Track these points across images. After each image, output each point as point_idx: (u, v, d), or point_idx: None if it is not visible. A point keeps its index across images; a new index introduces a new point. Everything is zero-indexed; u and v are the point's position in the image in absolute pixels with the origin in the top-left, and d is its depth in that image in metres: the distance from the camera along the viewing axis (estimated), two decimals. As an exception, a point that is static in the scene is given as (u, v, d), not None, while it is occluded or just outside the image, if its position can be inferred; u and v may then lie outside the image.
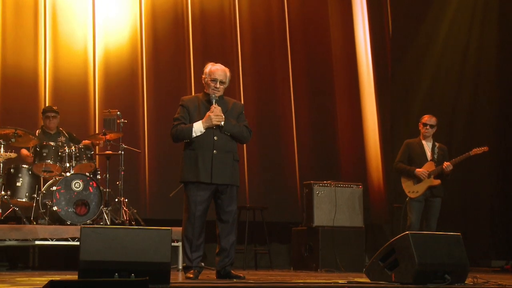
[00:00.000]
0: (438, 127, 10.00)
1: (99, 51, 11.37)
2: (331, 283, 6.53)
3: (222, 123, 6.98)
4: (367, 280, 6.72)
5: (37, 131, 10.16)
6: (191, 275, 6.90)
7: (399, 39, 13.27)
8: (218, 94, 7.11)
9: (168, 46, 11.81)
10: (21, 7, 11.12)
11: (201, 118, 7.00)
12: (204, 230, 7.07)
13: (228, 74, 7.16)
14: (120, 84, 11.45)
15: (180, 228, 7.27)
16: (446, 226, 11.94)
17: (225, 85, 7.16)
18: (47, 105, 10.82)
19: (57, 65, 11.16)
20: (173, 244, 8.96)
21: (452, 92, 12.75)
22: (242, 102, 11.76)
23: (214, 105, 7.00)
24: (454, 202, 12.35)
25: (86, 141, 10.10)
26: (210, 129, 6.98)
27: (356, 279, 7.07)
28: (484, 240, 12.24)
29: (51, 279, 4.83)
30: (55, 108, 10.27)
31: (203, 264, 9.74)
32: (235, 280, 6.86)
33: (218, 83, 7.07)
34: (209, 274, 7.40)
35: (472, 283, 6.65)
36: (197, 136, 6.98)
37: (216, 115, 6.96)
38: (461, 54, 12.74)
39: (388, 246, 6.65)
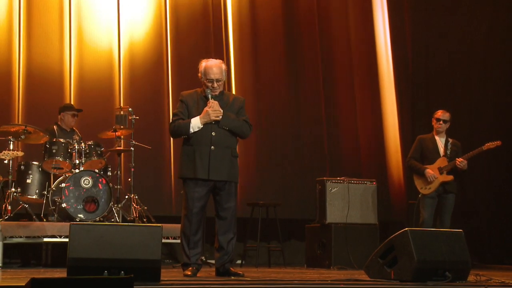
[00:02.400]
0: (458, 121, 9.79)
1: (123, 49, 11.35)
2: (327, 281, 6.42)
3: (220, 117, 6.89)
4: (367, 278, 6.62)
5: (54, 127, 10.14)
6: (189, 273, 6.82)
7: (419, 32, 13.11)
8: (217, 92, 7.02)
9: (193, 43, 11.74)
10: (46, 5, 11.13)
11: (199, 114, 6.92)
12: (201, 227, 7.00)
13: (223, 68, 7.00)
14: (145, 82, 11.43)
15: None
16: (471, 223, 11.83)
17: (223, 81, 7.03)
18: (72, 103, 10.77)
19: (82, 63, 11.16)
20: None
21: (475, 85, 12.52)
22: (257, 98, 11.73)
23: (211, 100, 6.91)
24: (479, 198, 12.16)
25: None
26: (208, 125, 6.88)
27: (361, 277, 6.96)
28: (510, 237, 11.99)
29: (33, 277, 4.79)
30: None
31: (208, 260, 9.79)
32: (232, 277, 6.79)
33: (214, 82, 6.95)
34: (210, 272, 7.31)
35: (474, 281, 6.50)
36: (195, 132, 6.89)
37: (214, 110, 6.86)
38: (483, 45, 12.52)
39: (388, 243, 6.55)
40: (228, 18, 12.07)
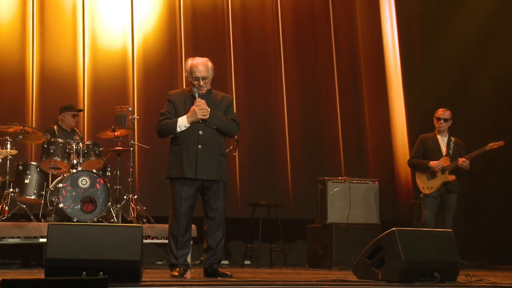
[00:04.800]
0: (467, 120, 9.61)
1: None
2: (312, 281, 6.32)
3: (207, 116, 6.81)
4: (355, 278, 6.52)
5: (54, 127, 10.10)
6: (176, 273, 6.75)
7: (428, 30, 12.98)
8: (204, 90, 6.95)
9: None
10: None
11: (187, 113, 6.85)
12: (190, 227, 6.94)
13: (209, 65, 6.93)
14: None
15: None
16: (482, 223, 11.68)
17: (209, 79, 6.96)
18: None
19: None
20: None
21: (486, 83, 12.34)
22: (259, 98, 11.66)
23: (198, 99, 6.84)
24: (490, 199, 12.01)
25: None
26: (195, 124, 6.82)
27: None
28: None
29: (4, 278, 4.74)
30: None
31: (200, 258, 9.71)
32: (219, 278, 6.71)
33: (200, 80, 6.89)
34: (201, 272, 7.23)
35: (464, 281, 6.38)
36: (182, 131, 6.82)
37: (200, 108, 6.79)
38: (493, 42, 12.34)
39: (375, 243, 6.44)
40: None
